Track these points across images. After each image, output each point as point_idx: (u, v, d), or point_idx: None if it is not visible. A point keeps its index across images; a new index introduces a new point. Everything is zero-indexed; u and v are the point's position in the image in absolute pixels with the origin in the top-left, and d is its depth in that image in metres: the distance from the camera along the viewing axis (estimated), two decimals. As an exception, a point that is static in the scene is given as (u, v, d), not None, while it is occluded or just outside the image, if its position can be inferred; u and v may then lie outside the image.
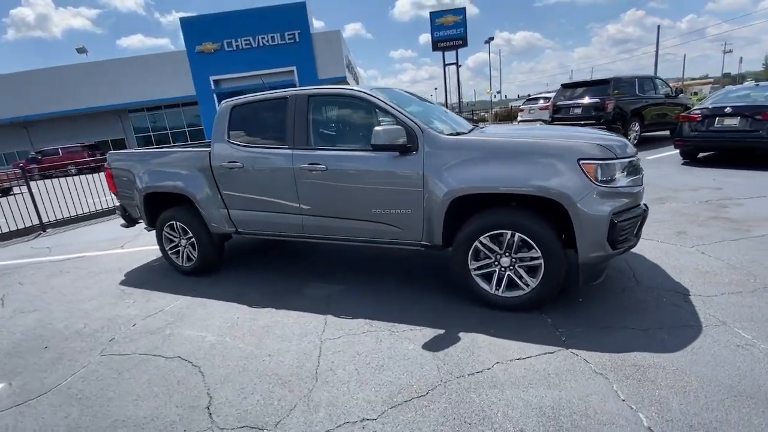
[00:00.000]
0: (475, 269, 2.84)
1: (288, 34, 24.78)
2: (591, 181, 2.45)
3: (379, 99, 3.10)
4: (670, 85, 11.81)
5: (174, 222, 4.05)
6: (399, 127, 2.86)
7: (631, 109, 9.79)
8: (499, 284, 2.79)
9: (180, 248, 4.14)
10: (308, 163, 3.24)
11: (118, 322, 3.23)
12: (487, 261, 2.80)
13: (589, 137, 2.77)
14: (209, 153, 3.76)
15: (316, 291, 3.50)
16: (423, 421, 1.88)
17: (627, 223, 2.52)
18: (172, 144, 15.59)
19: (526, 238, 2.60)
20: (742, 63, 79.99)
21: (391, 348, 2.51)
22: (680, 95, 11.35)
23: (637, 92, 10.10)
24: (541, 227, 2.58)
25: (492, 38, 42.86)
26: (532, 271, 2.70)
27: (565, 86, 11.19)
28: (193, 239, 3.99)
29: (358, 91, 3.20)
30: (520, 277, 2.72)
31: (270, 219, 3.59)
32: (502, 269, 2.76)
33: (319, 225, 3.38)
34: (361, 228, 3.21)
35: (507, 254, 2.72)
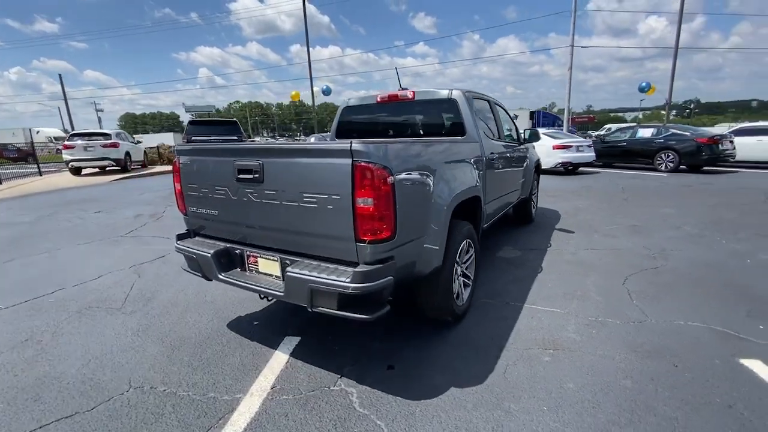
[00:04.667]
0: None
1: None
2: None
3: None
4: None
5: (467, 242, 2.76)
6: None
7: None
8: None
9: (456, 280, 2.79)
10: (513, 151, 4.18)
11: None
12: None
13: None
14: (480, 144, 3.16)
15: (509, 253, 4.33)
16: (624, 232, 4.93)
17: None
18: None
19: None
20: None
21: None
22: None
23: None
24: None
25: None
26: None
27: (192, 123, 11.54)
28: (472, 256, 2.98)
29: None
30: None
31: (499, 204, 3.84)
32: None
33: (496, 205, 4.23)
34: (512, 201, 4.64)
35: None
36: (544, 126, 23.92)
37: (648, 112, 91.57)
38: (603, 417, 1.87)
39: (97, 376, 2.30)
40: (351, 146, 1.79)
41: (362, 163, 1.79)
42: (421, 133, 3.67)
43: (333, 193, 1.88)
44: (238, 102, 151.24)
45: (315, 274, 1.94)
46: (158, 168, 16.86)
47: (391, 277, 1.94)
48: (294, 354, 2.49)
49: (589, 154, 11.52)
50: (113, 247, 4.99)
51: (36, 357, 2.53)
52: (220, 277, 2.37)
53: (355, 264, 1.96)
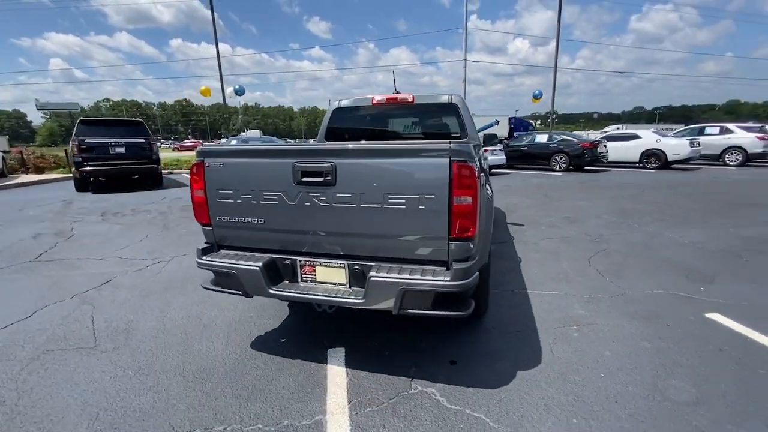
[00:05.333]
0: None
1: None
2: None
3: None
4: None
5: (488, 235, 2.95)
6: None
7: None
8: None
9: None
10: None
11: None
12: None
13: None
14: (479, 145, 3.39)
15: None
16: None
17: None
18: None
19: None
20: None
21: None
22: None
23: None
24: None
25: None
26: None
27: (85, 123, 9.64)
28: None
29: None
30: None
31: None
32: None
33: None
34: None
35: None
36: (517, 130, 25.66)
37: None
38: (648, 374, 2.22)
39: (122, 431, 1.87)
40: (450, 145, 1.82)
41: (460, 162, 1.83)
42: (421, 135, 3.78)
43: (426, 193, 1.87)
44: (108, 100, 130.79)
45: (406, 276, 1.91)
46: (24, 177, 13.70)
47: (477, 273, 2.00)
48: (349, 365, 2.36)
49: (501, 157, 12.97)
50: (27, 276, 3.97)
51: (11, 422, 1.93)
52: (272, 291, 2.13)
53: (443, 263, 1.98)
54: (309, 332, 2.81)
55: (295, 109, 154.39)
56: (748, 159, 13.69)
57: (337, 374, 2.28)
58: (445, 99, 3.55)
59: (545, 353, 2.46)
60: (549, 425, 1.85)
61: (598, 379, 2.19)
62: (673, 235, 5.04)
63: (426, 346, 2.58)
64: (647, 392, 2.07)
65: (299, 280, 2.22)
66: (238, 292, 2.23)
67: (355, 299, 2.01)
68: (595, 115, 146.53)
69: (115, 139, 9.59)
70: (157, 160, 10.45)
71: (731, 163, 13.89)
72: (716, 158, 14.30)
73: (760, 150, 13.37)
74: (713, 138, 14.22)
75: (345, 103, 3.84)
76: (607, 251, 4.48)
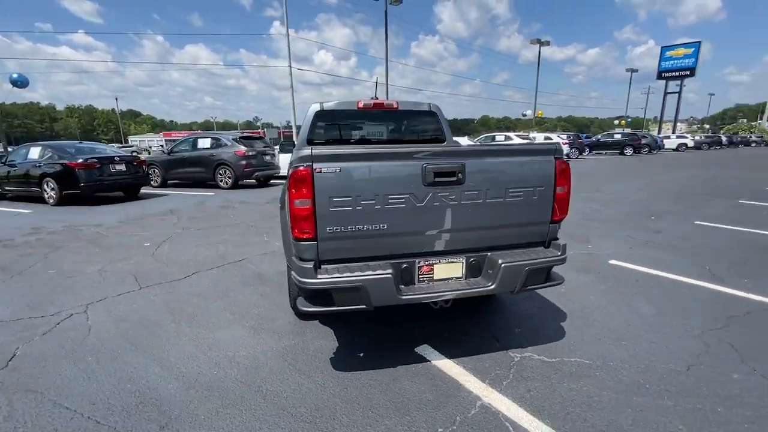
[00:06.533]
0: None
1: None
2: None
3: None
4: None
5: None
6: None
7: None
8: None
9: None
10: None
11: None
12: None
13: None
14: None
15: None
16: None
17: None
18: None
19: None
20: None
21: None
22: None
23: None
24: None
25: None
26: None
27: None
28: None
29: None
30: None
31: None
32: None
33: None
34: None
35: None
36: None
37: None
38: (623, 304, 3.22)
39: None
40: (555, 145, 2.26)
41: (559, 159, 2.29)
42: (405, 139, 3.99)
43: (539, 185, 2.25)
44: None
45: (527, 258, 2.24)
46: None
47: None
48: (449, 356, 2.50)
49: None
50: None
51: None
52: (402, 298, 2.09)
53: (541, 243, 2.40)
54: (377, 340, 2.73)
55: (60, 108, 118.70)
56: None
57: (449, 366, 2.40)
58: (425, 106, 3.91)
59: (561, 308, 3.19)
60: (614, 349, 2.55)
61: (606, 314, 3.06)
62: (537, 215, 6.85)
63: (486, 322, 2.95)
64: (634, 315, 3.04)
65: (416, 281, 2.23)
66: (360, 306, 2.06)
67: (485, 287, 2.21)
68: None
69: None
70: None
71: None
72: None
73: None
74: (496, 142, 19.21)
75: (329, 105, 3.69)
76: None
